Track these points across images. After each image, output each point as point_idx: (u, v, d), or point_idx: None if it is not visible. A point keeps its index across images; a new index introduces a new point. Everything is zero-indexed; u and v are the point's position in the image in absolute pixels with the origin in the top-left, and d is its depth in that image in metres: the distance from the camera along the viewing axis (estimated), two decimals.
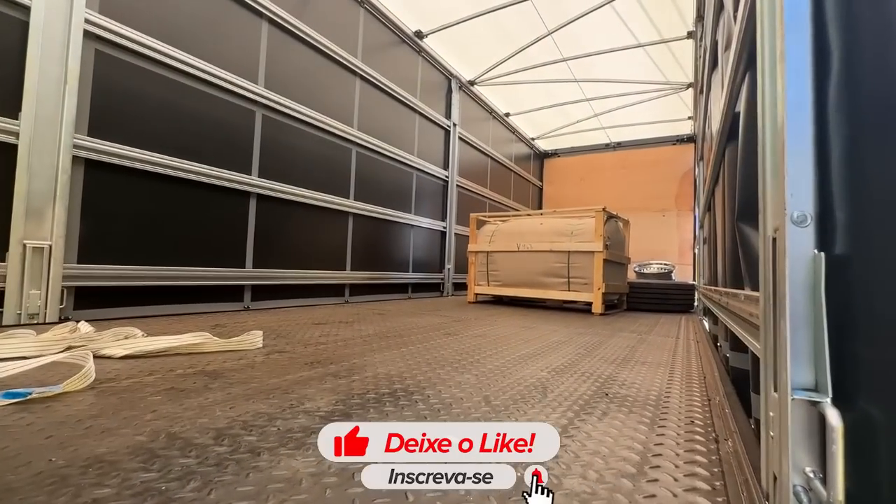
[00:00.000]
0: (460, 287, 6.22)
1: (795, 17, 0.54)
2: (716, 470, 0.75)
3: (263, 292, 3.39)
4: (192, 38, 2.84)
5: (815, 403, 0.49)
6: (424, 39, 5.19)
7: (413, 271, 5.25)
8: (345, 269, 4.18)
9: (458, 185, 6.14)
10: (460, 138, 6.19)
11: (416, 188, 5.29)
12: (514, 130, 8.06)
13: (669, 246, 8.03)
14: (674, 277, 6.36)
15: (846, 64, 0.50)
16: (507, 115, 7.61)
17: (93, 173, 2.40)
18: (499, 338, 2.19)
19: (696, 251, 6.91)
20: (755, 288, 1.04)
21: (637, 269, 6.40)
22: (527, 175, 8.75)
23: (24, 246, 2.10)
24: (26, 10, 2.12)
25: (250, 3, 3.19)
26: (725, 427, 0.99)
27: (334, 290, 4.11)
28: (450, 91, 5.97)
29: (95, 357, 1.41)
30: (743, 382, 1.38)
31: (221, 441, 0.79)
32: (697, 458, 0.80)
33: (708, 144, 2.92)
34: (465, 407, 1.05)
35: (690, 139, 8.04)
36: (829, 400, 0.48)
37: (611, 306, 4.36)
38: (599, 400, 1.16)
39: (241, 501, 0.59)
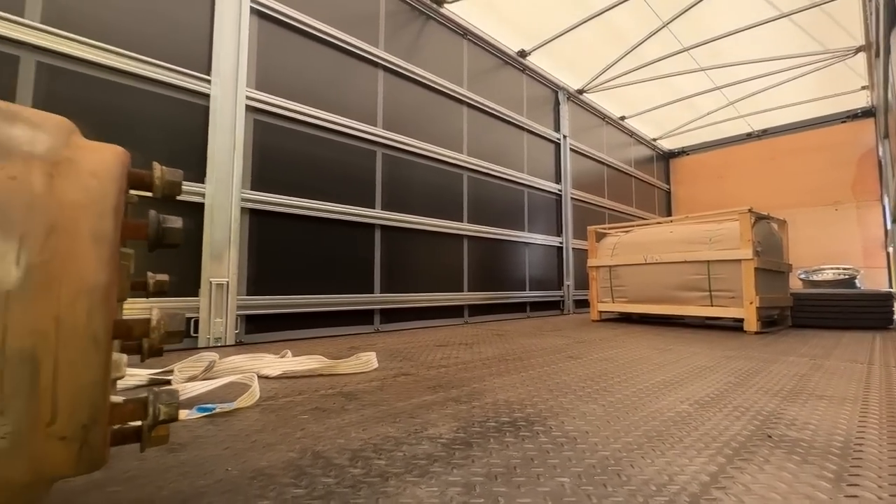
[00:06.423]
0: (582, 304, 5.90)
1: None
2: None
3: (390, 315, 3.66)
4: (323, 96, 3.29)
5: None
6: (528, 57, 5.20)
7: (530, 289, 5.15)
8: (462, 291, 4.29)
9: (572, 198, 5.90)
10: (572, 149, 5.97)
11: (528, 205, 5.23)
12: (631, 133, 7.50)
13: (850, 246, 6.54)
14: (858, 284, 5.13)
15: None
16: (623, 118, 7.13)
17: (255, 219, 2.90)
18: (629, 362, 2.01)
19: (892, 250, 5.51)
20: None
21: (804, 276, 5.33)
22: (650, 179, 8.02)
23: (210, 283, 2.61)
24: (207, 97, 2.69)
25: (369, 57, 3.58)
26: None
27: (454, 312, 4.23)
28: (557, 103, 5.83)
29: (259, 377, 1.67)
30: None
31: (356, 463, 0.86)
32: None
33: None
34: (591, 443, 0.97)
35: (867, 113, 6.54)
36: None
37: (769, 323, 3.69)
38: (760, 443, 0.98)
39: None
